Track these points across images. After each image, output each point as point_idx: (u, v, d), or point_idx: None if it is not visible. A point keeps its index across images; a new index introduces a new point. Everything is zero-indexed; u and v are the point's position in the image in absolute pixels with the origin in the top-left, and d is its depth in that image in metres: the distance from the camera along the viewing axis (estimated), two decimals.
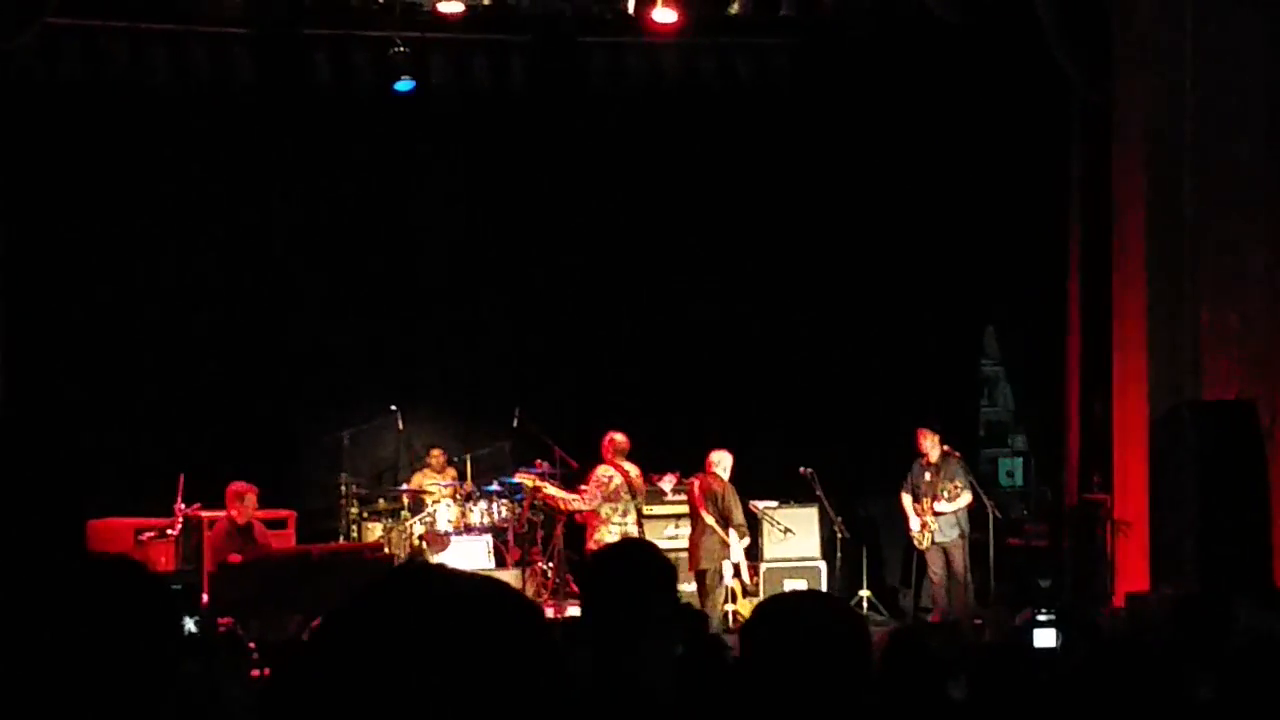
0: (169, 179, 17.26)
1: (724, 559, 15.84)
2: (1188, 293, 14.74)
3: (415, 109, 17.45)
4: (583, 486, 15.89)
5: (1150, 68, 15.13)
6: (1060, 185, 16.85)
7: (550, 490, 15.97)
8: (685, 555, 16.09)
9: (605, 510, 15.67)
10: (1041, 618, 12.50)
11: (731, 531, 15.85)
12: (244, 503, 14.54)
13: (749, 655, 3.51)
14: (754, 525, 16.56)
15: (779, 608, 3.70)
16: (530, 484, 16.07)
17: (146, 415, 16.98)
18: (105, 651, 2.77)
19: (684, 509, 16.77)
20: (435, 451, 17.20)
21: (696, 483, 15.95)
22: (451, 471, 17.08)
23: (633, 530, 15.79)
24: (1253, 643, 5.52)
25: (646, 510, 16.76)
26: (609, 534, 15.63)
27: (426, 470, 17.14)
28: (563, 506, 15.96)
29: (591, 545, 15.60)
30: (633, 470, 15.84)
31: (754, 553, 16.57)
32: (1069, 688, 4.68)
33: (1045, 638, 11.93)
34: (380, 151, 17.79)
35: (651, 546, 4.61)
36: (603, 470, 15.71)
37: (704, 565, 15.74)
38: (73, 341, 16.97)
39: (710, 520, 15.74)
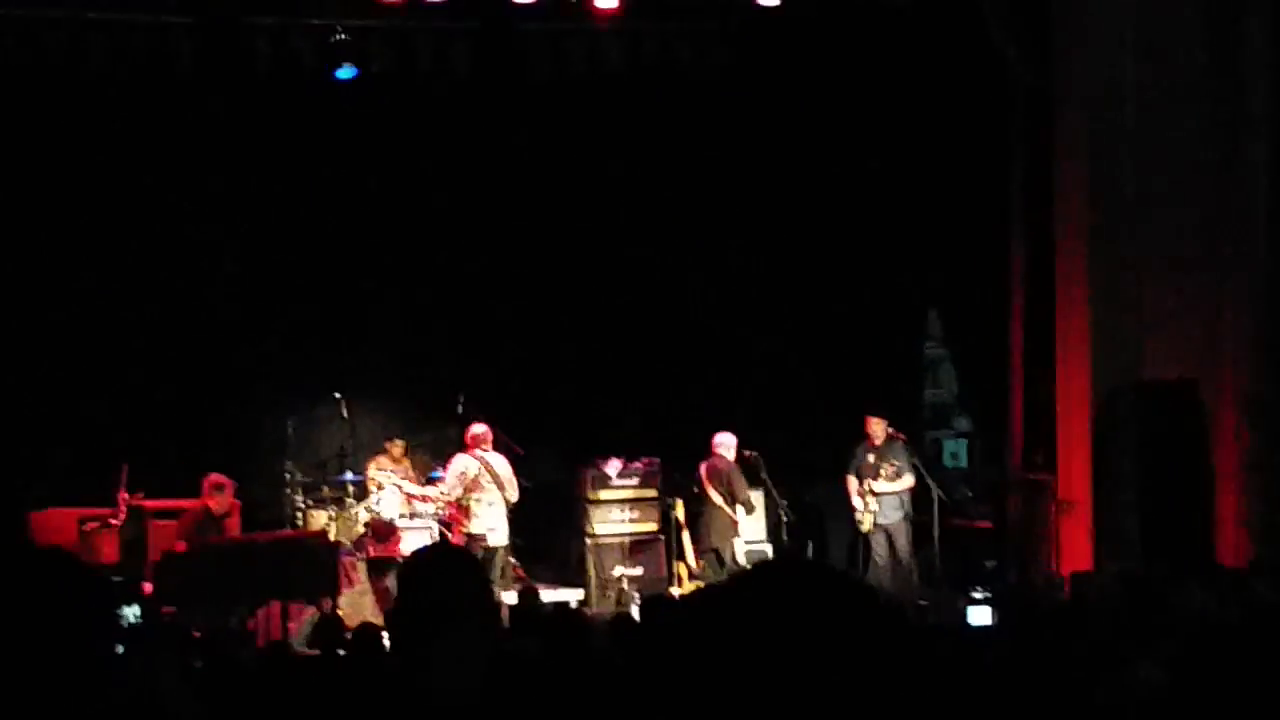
0: (108, 168, 17.12)
1: (734, 537, 16.12)
2: (1129, 273, 14.82)
3: (357, 96, 17.35)
4: (440, 477, 15.93)
5: (1090, 50, 15.19)
6: (1002, 167, 16.90)
7: (409, 488, 15.95)
8: (630, 540, 16.32)
9: (470, 502, 15.65)
10: (977, 595, 12.57)
11: (740, 509, 16.12)
12: (221, 494, 14.59)
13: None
14: (699, 509, 16.65)
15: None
16: (388, 484, 15.96)
17: (88, 404, 16.86)
18: (38, 643, 2.75)
19: (631, 494, 16.85)
20: (396, 441, 17.04)
21: (704, 466, 16.22)
22: (407, 462, 16.97)
23: (498, 522, 15.70)
24: (1205, 627, 5.56)
25: (594, 496, 16.81)
26: (475, 525, 15.57)
27: (382, 458, 16.96)
28: (421, 500, 15.89)
29: (457, 539, 15.53)
30: (497, 461, 15.82)
31: (699, 536, 16.64)
32: (1006, 666, 4.71)
33: (980, 615, 11.98)
34: (322, 139, 17.68)
35: (457, 549, 4.66)
36: (459, 460, 15.73)
37: (714, 544, 16.09)
38: (11, 330, 16.83)
39: (718, 500, 16.09)
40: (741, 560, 16.20)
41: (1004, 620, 11.48)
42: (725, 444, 16.48)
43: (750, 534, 16.87)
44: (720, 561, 16.25)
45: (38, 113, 16.76)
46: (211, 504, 14.57)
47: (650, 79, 17.74)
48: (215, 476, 14.69)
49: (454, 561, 4.31)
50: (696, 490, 16.55)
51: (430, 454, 17.25)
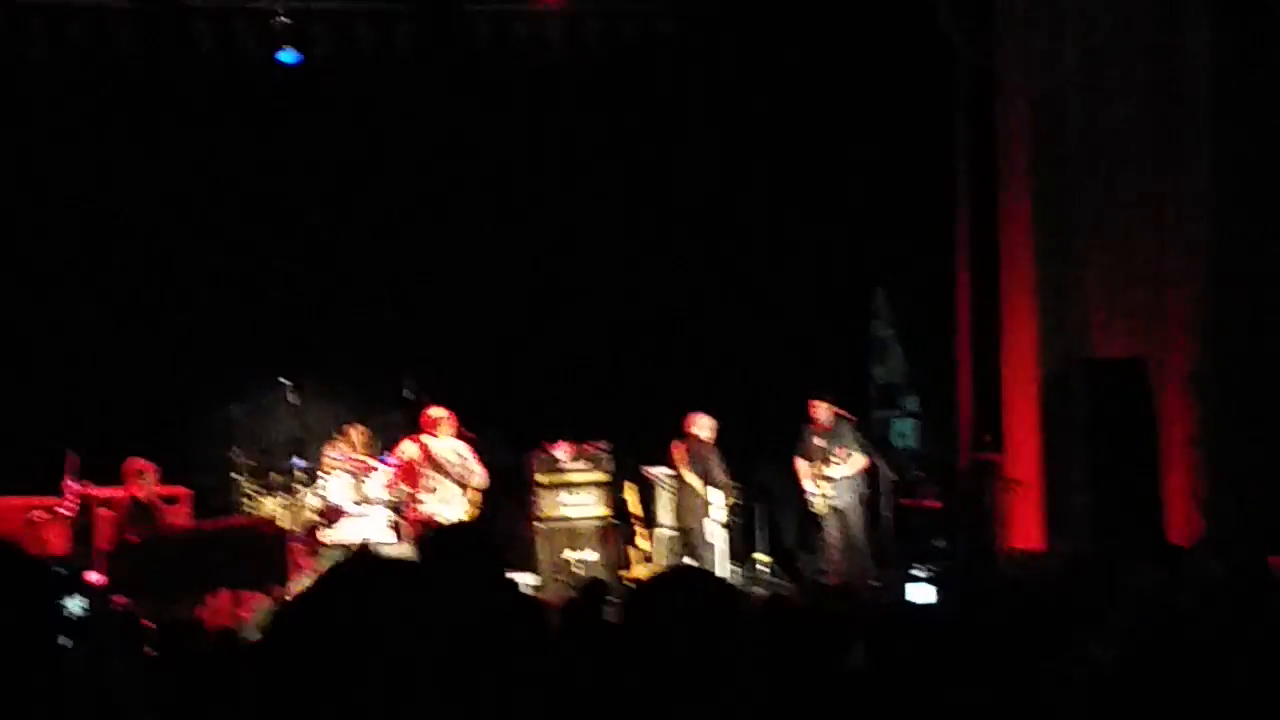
0: (47, 154, 17.02)
1: (705, 517, 16.24)
2: (1075, 252, 14.85)
3: (299, 78, 17.26)
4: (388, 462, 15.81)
5: (1032, 30, 15.23)
6: (948, 147, 16.95)
7: (371, 465, 15.83)
8: (581, 525, 16.30)
9: (419, 490, 15.57)
10: (918, 573, 12.59)
11: (711, 490, 16.12)
12: (144, 479, 14.47)
13: (629, 634, 3.49)
14: (648, 491, 16.67)
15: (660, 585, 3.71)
16: (340, 467, 15.81)
17: (32, 391, 16.76)
18: None
19: (581, 478, 16.82)
20: (358, 426, 16.74)
21: (678, 445, 16.51)
22: (366, 448, 16.71)
23: (440, 508, 15.47)
24: (1151, 606, 5.58)
25: (544, 480, 16.73)
26: (422, 510, 15.43)
27: (339, 443, 16.69)
28: (379, 485, 15.75)
29: (408, 524, 15.42)
30: (443, 446, 15.70)
31: (648, 518, 16.66)
32: (954, 646, 4.70)
33: (921, 593, 11.99)
34: (264, 122, 17.60)
35: (475, 526, 4.58)
36: (400, 447, 15.63)
37: (686, 523, 16.15)
38: None
39: (692, 480, 16.11)
40: (711, 540, 16.27)
41: (947, 599, 11.49)
42: (703, 424, 16.58)
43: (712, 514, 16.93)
44: (689, 541, 16.32)
45: None
46: (136, 490, 14.45)
47: (594, 59, 17.72)
48: (136, 462, 14.55)
49: (475, 537, 4.24)
50: (670, 472, 16.60)
51: (380, 439, 17.15)
